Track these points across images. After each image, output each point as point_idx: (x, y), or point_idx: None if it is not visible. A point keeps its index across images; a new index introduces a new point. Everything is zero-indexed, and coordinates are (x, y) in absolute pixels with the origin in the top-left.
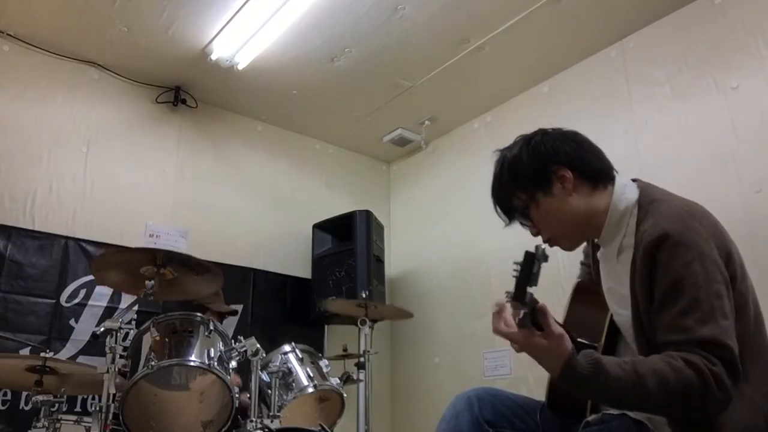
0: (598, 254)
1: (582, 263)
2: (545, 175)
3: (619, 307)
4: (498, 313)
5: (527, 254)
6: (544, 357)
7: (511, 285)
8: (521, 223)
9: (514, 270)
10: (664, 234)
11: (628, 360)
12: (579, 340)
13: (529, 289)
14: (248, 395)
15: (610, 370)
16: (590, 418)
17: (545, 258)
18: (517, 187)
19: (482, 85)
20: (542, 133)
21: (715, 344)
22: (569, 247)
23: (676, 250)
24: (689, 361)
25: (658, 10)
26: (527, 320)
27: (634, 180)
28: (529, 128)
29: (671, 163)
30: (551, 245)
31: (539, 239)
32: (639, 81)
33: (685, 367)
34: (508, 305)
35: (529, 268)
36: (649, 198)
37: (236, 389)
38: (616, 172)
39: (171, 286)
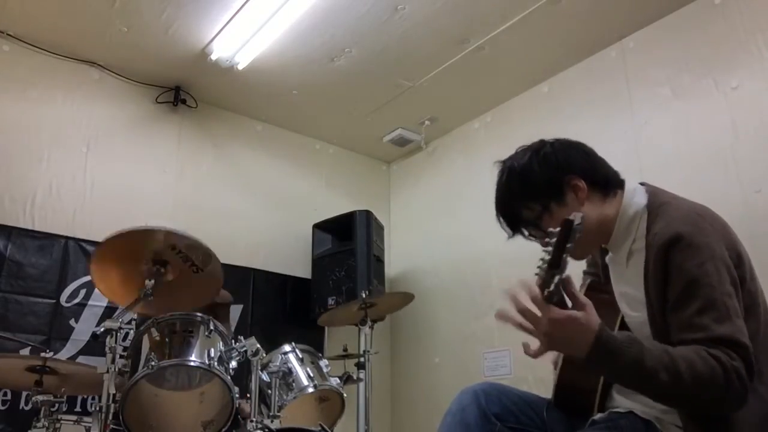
0: (607, 259)
1: (584, 272)
2: (559, 185)
3: (632, 310)
4: (512, 299)
5: (566, 221)
6: (576, 331)
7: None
8: (526, 236)
9: (546, 241)
10: (677, 235)
11: (657, 343)
12: None
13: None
14: (248, 395)
15: (644, 343)
16: (597, 416)
17: (581, 230)
18: (530, 198)
19: (482, 85)
20: (549, 143)
21: (732, 342)
22: (580, 256)
23: (689, 250)
24: (713, 354)
25: (658, 10)
26: (559, 291)
27: (642, 183)
28: (529, 128)
29: (671, 163)
30: None
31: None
32: (639, 81)
33: (710, 358)
34: (532, 281)
35: (566, 235)
36: (658, 201)
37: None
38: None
39: (170, 292)
